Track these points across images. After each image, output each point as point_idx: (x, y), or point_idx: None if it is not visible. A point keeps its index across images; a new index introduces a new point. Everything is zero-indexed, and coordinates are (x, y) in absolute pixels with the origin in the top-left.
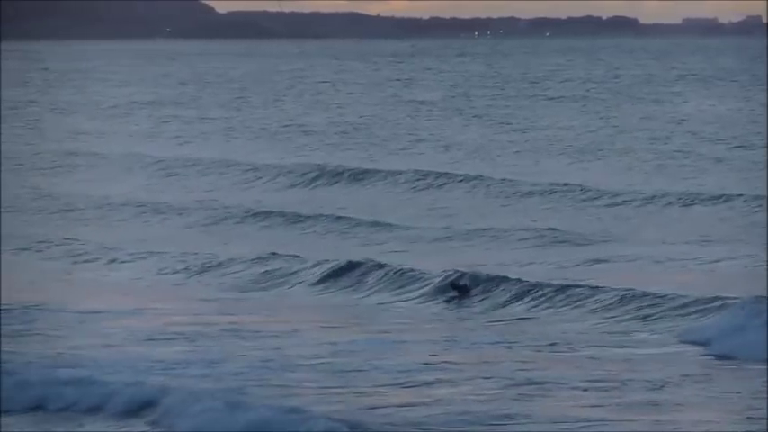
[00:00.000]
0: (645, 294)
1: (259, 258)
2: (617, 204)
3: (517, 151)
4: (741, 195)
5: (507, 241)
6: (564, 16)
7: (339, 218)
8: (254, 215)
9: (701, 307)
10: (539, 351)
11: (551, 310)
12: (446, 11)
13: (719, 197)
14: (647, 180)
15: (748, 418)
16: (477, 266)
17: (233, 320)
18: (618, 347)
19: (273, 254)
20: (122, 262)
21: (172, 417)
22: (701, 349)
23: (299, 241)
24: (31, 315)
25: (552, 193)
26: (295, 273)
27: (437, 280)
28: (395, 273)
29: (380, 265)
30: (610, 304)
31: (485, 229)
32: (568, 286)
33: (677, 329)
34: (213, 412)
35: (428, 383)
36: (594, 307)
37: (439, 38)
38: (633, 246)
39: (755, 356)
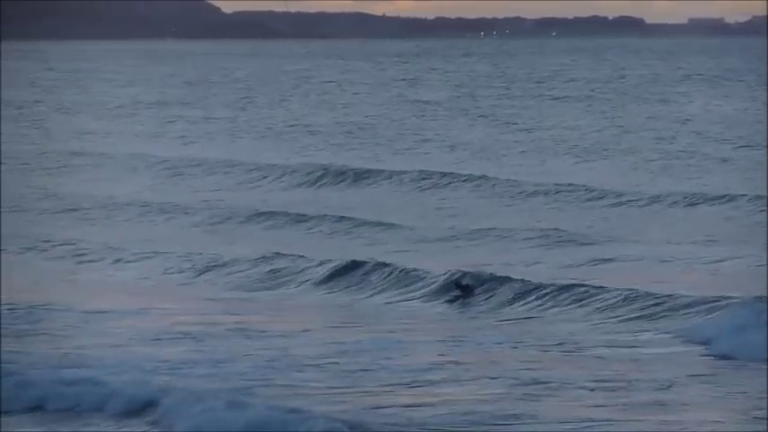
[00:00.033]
0: (650, 294)
1: (264, 258)
2: (621, 204)
3: (523, 151)
4: (746, 195)
5: (512, 241)
6: (570, 16)
7: (344, 218)
8: (259, 215)
9: (707, 307)
10: (544, 351)
11: (556, 309)
12: (452, 11)
13: (724, 197)
14: (652, 180)
15: (755, 418)
16: (482, 266)
17: (239, 320)
18: (623, 347)
19: (278, 254)
20: (127, 262)
21: (172, 417)
22: (701, 349)
23: (303, 241)
24: (37, 315)
25: (557, 192)
26: (300, 272)
27: (441, 279)
28: (399, 272)
29: (385, 265)
30: (615, 304)
31: (489, 229)
32: (573, 286)
33: (678, 329)
34: (213, 412)
35: (434, 383)
36: (599, 306)
37: (444, 38)
38: (638, 245)
39: (756, 356)
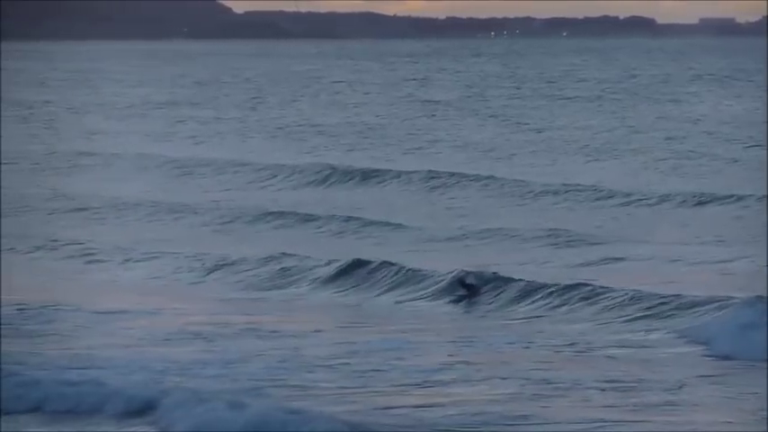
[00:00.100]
0: (658, 294)
1: (272, 258)
2: (630, 204)
3: (533, 151)
4: (755, 195)
5: (521, 240)
6: (580, 16)
7: (352, 218)
8: (268, 215)
9: (714, 306)
10: (555, 351)
11: (564, 308)
12: (462, 11)
13: (734, 197)
14: (662, 180)
15: (766, 419)
16: (491, 266)
17: (249, 320)
18: (633, 347)
19: (286, 253)
20: (137, 261)
21: (172, 417)
22: (707, 349)
23: (312, 241)
24: (47, 315)
25: (566, 192)
26: (308, 272)
27: (448, 278)
28: (406, 271)
29: (392, 265)
30: (623, 303)
31: (498, 229)
32: (582, 285)
33: (685, 328)
34: (213, 412)
35: (445, 384)
36: (608, 305)
37: (455, 38)
38: (647, 245)
39: (756, 356)
